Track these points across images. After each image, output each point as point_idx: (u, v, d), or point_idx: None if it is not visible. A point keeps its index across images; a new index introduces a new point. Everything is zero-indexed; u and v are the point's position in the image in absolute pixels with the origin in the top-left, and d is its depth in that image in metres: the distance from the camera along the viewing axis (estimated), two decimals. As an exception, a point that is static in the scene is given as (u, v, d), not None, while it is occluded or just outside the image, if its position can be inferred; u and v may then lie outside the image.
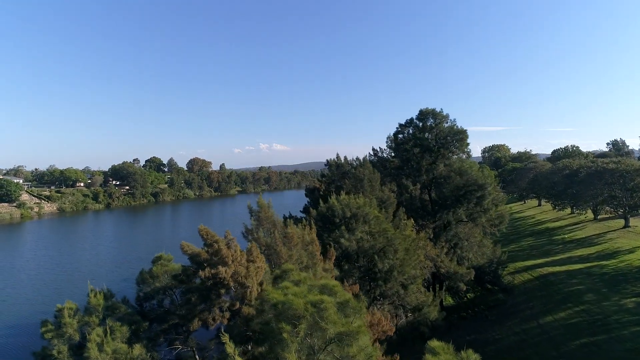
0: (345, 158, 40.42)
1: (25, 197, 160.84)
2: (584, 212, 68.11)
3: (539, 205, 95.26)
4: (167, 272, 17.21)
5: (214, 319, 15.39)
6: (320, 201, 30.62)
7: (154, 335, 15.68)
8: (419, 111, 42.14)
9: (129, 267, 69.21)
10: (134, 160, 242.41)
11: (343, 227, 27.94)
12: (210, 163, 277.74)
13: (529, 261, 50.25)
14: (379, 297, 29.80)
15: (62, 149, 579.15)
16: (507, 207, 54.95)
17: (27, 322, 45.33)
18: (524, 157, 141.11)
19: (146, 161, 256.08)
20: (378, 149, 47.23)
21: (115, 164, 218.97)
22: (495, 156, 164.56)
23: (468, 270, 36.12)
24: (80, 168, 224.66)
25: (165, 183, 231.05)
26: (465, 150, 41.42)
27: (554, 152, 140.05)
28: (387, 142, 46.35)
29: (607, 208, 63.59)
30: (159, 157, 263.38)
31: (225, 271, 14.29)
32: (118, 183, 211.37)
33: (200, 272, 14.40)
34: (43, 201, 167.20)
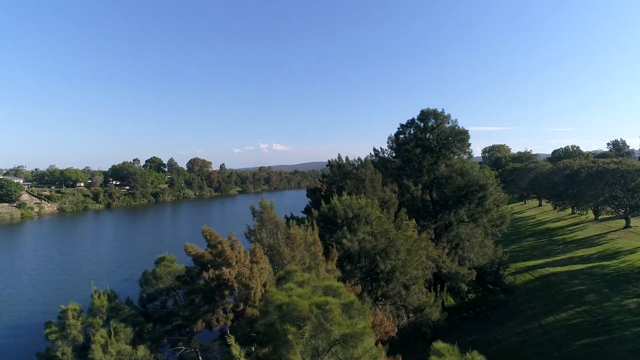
0: (347, 158, 40.41)
1: (25, 197, 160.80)
2: (584, 212, 68.09)
3: (540, 205, 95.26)
4: (171, 273, 17.20)
5: (217, 320, 15.37)
6: (322, 202, 30.60)
7: (157, 337, 15.67)
8: (421, 111, 42.15)
9: (129, 267, 69.21)
10: (134, 160, 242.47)
11: (345, 228, 27.94)
12: (210, 163, 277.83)
13: (530, 261, 50.24)
14: (380, 298, 29.80)
15: (62, 149, 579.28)
16: (509, 207, 54.98)
17: (28, 322, 45.35)
18: (524, 157, 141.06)
19: (146, 161, 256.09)
20: (379, 149, 47.26)
21: (116, 164, 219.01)
22: (495, 156, 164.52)
23: (470, 270, 36.11)
24: (81, 168, 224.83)
25: (166, 183, 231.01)
26: (467, 150, 41.42)
27: (554, 152, 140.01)
28: (388, 142, 46.37)
29: (608, 208, 63.57)
30: (159, 157, 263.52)
31: (229, 272, 14.28)
32: (118, 183, 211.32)
33: (204, 273, 14.39)
34: (43, 201, 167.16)
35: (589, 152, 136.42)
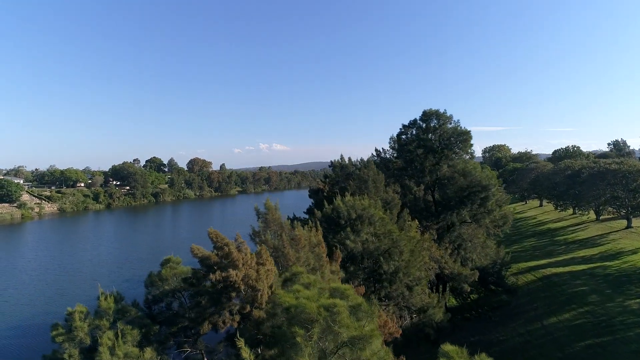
0: (350, 159, 40.44)
1: (25, 197, 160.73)
2: (586, 212, 68.12)
3: (541, 205, 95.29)
4: (176, 275, 17.18)
5: (224, 322, 15.35)
6: (325, 202, 30.59)
7: (163, 338, 15.65)
8: (423, 112, 42.14)
9: (130, 267, 69.21)
10: (134, 160, 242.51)
11: (348, 229, 27.91)
12: (210, 163, 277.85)
13: (531, 262, 50.25)
14: (383, 299, 29.78)
15: (62, 149, 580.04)
16: (511, 208, 54.98)
17: (29, 323, 45.32)
18: (525, 158, 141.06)
19: (146, 161, 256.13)
20: (381, 150, 47.29)
21: (116, 164, 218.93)
22: (495, 156, 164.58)
23: (472, 271, 36.11)
24: (81, 168, 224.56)
25: (166, 183, 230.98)
26: (469, 151, 41.42)
27: (554, 152, 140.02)
28: (390, 142, 46.40)
29: (610, 209, 63.61)
30: (159, 157, 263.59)
31: (236, 274, 14.26)
32: (118, 183, 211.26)
33: (211, 275, 14.37)
34: (44, 201, 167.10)
35: (589, 152, 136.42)
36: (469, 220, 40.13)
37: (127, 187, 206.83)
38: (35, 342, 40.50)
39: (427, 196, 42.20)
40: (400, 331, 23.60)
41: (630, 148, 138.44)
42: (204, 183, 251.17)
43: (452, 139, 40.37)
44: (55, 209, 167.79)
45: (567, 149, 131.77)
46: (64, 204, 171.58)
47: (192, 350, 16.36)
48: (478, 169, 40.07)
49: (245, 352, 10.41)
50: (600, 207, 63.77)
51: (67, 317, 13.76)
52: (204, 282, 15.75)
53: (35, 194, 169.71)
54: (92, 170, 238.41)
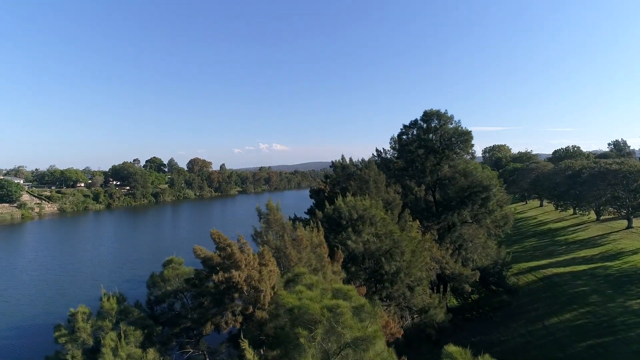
0: (351, 159, 40.43)
1: (25, 197, 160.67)
2: (586, 212, 68.13)
3: (541, 205, 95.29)
4: (178, 276, 17.17)
5: (226, 323, 15.34)
6: (326, 203, 30.60)
7: (166, 339, 15.64)
8: (424, 112, 42.13)
9: (131, 267, 69.19)
10: (134, 160, 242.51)
11: (350, 229, 27.92)
12: (210, 163, 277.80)
13: (532, 262, 50.24)
14: (385, 299, 29.78)
15: (62, 149, 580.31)
16: (512, 208, 54.97)
17: (30, 323, 45.29)
18: (525, 158, 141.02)
19: (146, 161, 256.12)
20: (381, 150, 47.25)
21: (116, 164, 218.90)
22: (496, 156, 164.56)
23: (473, 271, 36.11)
24: (81, 168, 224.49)
25: (166, 183, 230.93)
26: (470, 151, 41.42)
27: (555, 152, 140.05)
28: (390, 143, 46.35)
29: (610, 209, 63.62)
30: (159, 157, 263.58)
31: (239, 275, 14.25)
32: (118, 183, 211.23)
33: (214, 276, 14.36)
34: (44, 201, 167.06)
35: (590, 152, 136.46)
36: (470, 221, 40.12)
37: (127, 187, 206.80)
38: (35, 342, 40.46)
39: (428, 196, 42.19)
40: (402, 332, 23.60)
41: (631, 148, 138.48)
42: (204, 183, 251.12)
43: (453, 139, 40.34)
44: (56, 209, 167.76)
45: (567, 149, 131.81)
46: (64, 204, 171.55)
47: (195, 351, 16.35)
48: (479, 170, 40.06)
49: (250, 354, 10.40)
50: (601, 208, 63.78)
51: (69, 318, 13.75)
52: (206, 283, 15.74)
53: (36, 194, 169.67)
54: (92, 170, 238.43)
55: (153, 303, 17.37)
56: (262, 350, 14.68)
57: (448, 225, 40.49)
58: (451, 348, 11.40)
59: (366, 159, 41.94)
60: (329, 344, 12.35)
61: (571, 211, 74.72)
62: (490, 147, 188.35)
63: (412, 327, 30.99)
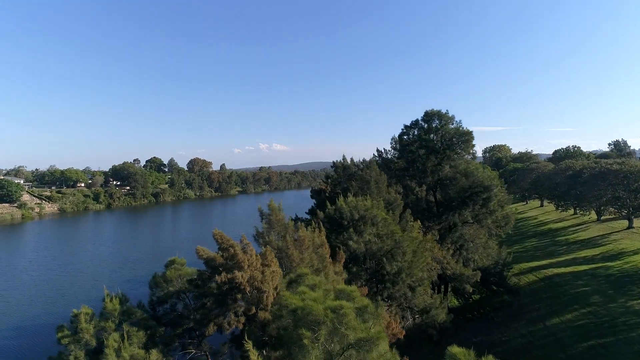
0: (352, 160, 40.44)
1: (26, 197, 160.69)
2: (587, 213, 68.14)
3: (541, 206, 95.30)
4: (181, 276, 17.16)
5: (229, 324, 15.33)
6: (327, 203, 30.59)
7: (168, 340, 15.64)
8: (425, 112, 42.11)
9: (131, 268, 69.23)
10: (134, 160, 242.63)
11: (351, 230, 27.90)
12: (210, 163, 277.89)
13: (533, 262, 50.25)
14: (386, 300, 29.77)
15: (62, 149, 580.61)
16: (513, 208, 54.94)
17: (31, 323, 45.32)
18: (525, 158, 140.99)
19: (147, 161, 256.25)
20: (382, 150, 47.24)
21: (116, 164, 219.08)
22: (496, 156, 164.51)
23: (474, 272, 36.09)
24: (81, 168, 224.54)
25: (166, 183, 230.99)
26: (471, 151, 41.42)
27: (555, 152, 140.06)
28: (391, 143, 46.34)
29: (611, 209, 63.61)
30: (159, 157, 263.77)
31: (242, 276, 14.25)
32: (119, 183, 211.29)
33: (217, 277, 14.36)
34: (44, 201, 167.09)
35: (590, 153, 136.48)
36: (471, 221, 40.09)
37: (128, 187, 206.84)
38: (36, 342, 40.50)
39: (429, 197, 42.17)
40: (404, 332, 23.57)
41: (631, 148, 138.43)
42: (204, 183, 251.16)
43: (454, 139, 40.32)
44: (56, 209, 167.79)
45: (567, 149, 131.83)
46: (65, 204, 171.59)
47: (197, 352, 16.34)
48: (480, 170, 40.06)
49: (254, 355, 10.39)
50: (602, 208, 63.79)
51: (72, 318, 13.74)
52: (209, 284, 15.73)
53: (36, 194, 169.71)
54: (92, 170, 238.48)
55: (155, 304, 17.35)
56: (264, 351, 14.68)
57: (449, 225, 40.47)
58: (455, 349, 11.37)
59: (366, 158, 41.99)
60: (332, 345, 12.34)
61: (572, 211, 74.72)
62: (490, 147, 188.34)
63: (414, 328, 30.97)
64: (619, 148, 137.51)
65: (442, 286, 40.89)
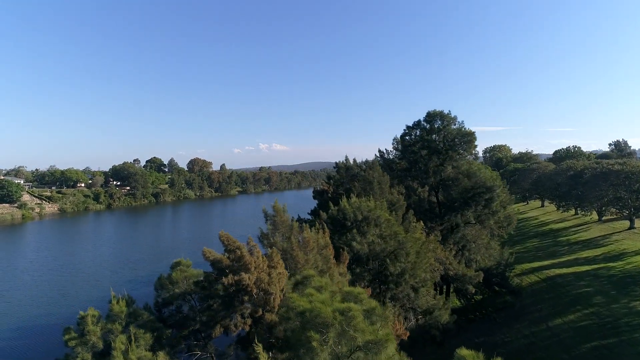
0: (355, 160, 40.40)
1: (26, 197, 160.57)
2: (588, 213, 68.16)
3: (542, 206, 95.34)
4: (187, 278, 17.14)
5: (235, 326, 15.32)
6: (330, 204, 30.55)
7: (174, 342, 15.62)
8: (427, 113, 42.07)
9: (132, 268, 69.21)
10: (134, 160, 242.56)
11: (354, 231, 27.86)
12: (210, 163, 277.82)
13: (535, 263, 50.24)
14: (389, 300, 29.74)
15: (62, 149, 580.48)
16: (515, 208, 54.92)
17: (32, 323, 45.32)
18: (525, 158, 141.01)
19: (147, 161, 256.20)
20: (384, 151, 47.20)
21: (116, 165, 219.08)
22: (496, 157, 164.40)
23: (477, 272, 36.06)
24: (81, 168, 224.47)
25: (166, 183, 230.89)
26: (473, 152, 41.40)
27: (555, 152, 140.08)
28: (393, 143, 46.29)
29: (612, 209, 63.61)
30: (159, 157, 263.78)
31: (249, 278, 14.23)
32: (119, 183, 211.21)
33: (224, 279, 14.33)
34: (44, 202, 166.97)
35: (590, 153, 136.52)
36: (473, 222, 40.10)
37: (128, 188, 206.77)
38: (38, 343, 40.49)
39: (431, 197, 42.16)
40: (408, 333, 23.56)
41: (632, 148, 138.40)
42: (204, 183, 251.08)
43: (456, 140, 40.28)
44: (56, 209, 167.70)
45: (568, 149, 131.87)
46: (65, 204, 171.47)
47: (203, 354, 16.31)
48: (482, 170, 40.04)
49: (264, 358, 10.37)
50: (603, 208, 63.79)
51: (79, 320, 13.72)
52: (215, 286, 15.71)
53: (36, 194, 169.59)
54: (93, 170, 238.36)
55: (161, 305, 17.33)
56: (271, 353, 14.66)
57: (451, 226, 40.46)
58: (463, 351, 11.37)
59: (366, 158, 42.03)
60: (339, 347, 12.33)
61: (573, 212, 74.73)
62: (490, 147, 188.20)
63: (417, 329, 30.96)
64: (620, 148, 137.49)
65: (445, 287, 40.87)
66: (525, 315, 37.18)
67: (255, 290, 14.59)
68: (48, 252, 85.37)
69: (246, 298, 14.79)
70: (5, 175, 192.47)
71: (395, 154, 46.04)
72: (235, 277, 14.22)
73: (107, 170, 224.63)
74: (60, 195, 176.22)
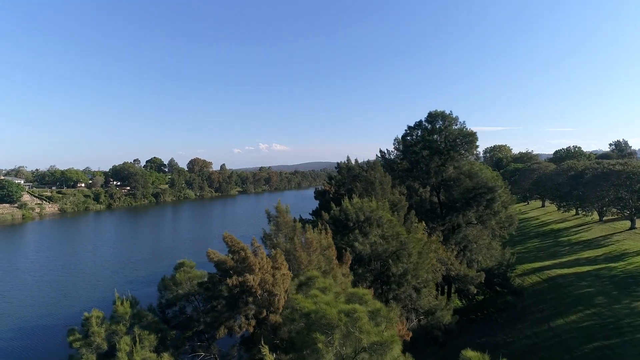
0: (356, 161, 40.42)
1: (26, 197, 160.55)
2: (589, 213, 68.17)
3: (543, 206, 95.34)
4: (190, 279, 17.13)
5: (239, 327, 15.31)
6: (332, 204, 30.55)
7: (179, 343, 15.60)
8: (428, 113, 42.10)
9: (133, 268, 69.17)
10: (134, 160, 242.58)
11: (357, 231, 27.86)
12: (210, 163, 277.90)
13: (536, 263, 50.21)
14: (391, 301, 29.73)
15: (62, 149, 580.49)
16: (517, 208, 54.90)
17: (33, 324, 45.30)
18: (526, 158, 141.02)
19: (147, 161, 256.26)
20: (385, 151, 47.23)
21: (116, 165, 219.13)
22: (496, 157, 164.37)
23: (478, 273, 36.05)
24: (81, 168, 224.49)
25: (166, 183, 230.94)
26: (474, 152, 41.42)
27: (556, 152, 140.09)
28: (394, 144, 46.30)
29: (613, 210, 63.62)
30: (159, 157, 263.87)
31: (253, 279, 14.22)
32: (119, 184, 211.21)
33: (228, 280, 14.32)
34: (44, 202, 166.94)
35: (590, 153, 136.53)
36: (475, 222, 40.10)
37: (128, 188, 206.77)
38: (40, 343, 40.47)
39: (433, 198, 42.15)
40: (411, 334, 23.53)
41: (632, 148, 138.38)
42: (205, 183, 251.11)
43: (457, 140, 40.31)
44: (56, 209, 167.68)
45: (568, 150, 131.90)
46: (65, 204, 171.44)
47: (206, 355, 16.30)
48: (484, 171, 40.06)
49: (270, 359, 10.36)
50: (604, 208, 63.77)
51: (83, 322, 13.70)
52: (219, 287, 15.69)
53: (36, 195, 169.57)
54: (93, 170, 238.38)
55: (164, 306, 17.32)
56: (275, 354, 14.64)
57: (453, 226, 40.46)
58: (469, 353, 11.34)
59: (366, 158, 42.18)
60: (344, 349, 12.32)
61: (574, 212, 74.72)
62: (490, 147, 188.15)
63: (419, 329, 30.94)
64: (620, 148, 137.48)
65: (446, 287, 40.87)
66: (527, 315, 37.14)
67: (259, 292, 14.57)
68: (49, 252, 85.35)
69: (250, 299, 14.78)
70: (5, 175, 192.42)
71: (396, 154, 46.07)
72: (240, 279, 14.21)
73: (107, 170, 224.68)
74: (60, 195, 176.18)
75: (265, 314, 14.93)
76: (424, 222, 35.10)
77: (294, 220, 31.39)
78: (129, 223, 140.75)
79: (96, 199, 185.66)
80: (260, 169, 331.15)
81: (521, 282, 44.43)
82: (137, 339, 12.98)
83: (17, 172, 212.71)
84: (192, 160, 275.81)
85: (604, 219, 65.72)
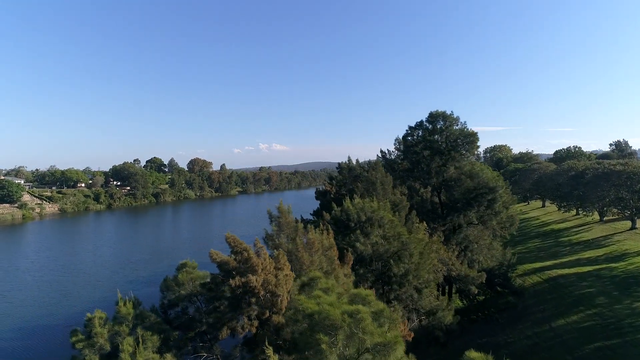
0: (357, 161, 40.40)
1: (26, 197, 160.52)
2: (590, 213, 68.17)
3: (543, 206, 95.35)
4: (193, 280, 17.13)
5: (242, 328, 15.30)
6: (333, 204, 30.56)
7: (181, 344, 15.60)
8: (429, 113, 42.13)
9: (133, 268, 69.17)
10: (134, 160, 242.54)
11: (358, 231, 27.86)
12: (210, 163, 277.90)
13: (537, 263, 50.21)
14: (392, 301, 29.74)
15: (62, 149, 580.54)
16: (518, 209, 54.90)
17: (34, 324, 45.29)
18: (526, 158, 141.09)
19: (147, 161, 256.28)
20: (386, 151, 47.26)
21: (116, 165, 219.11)
22: (497, 157, 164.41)
23: (479, 273, 36.05)
24: (81, 168, 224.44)
25: (166, 183, 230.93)
26: (475, 152, 41.43)
27: (556, 152, 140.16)
28: (395, 144, 46.33)
29: (614, 210, 63.62)
30: (159, 157, 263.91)
31: (256, 280, 14.22)
32: (119, 184, 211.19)
33: (231, 281, 14.32)
34: (44, 202, 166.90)
35: (590, 153, 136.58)
36: (476, 222, 40.10)
37: (128, 188, 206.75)
38: (40, 343, 40.47)
39: (434, 198, 42.16)
40: (412, 334, 23.54)
41: (632, 148, 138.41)
42: (205, 183, 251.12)
43: (458, 140, 40.33)
44: (56, 209, 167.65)
45: (568, 150, 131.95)
46: (65, 204, 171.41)
47: (209, 355, 16.29)
48: (485, 171, 40.07)
49: (274, 360, 10.36)
50: (605, 208, 63.77)
51: (86, 322, 13.70)
52: (222, 287, 15.69)
53: (36, 195, 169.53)
54: (93, 170, 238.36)
55: (167, 307, 17.32)
56: (278, 355, 14.63)
57: (454, 226, 40.47)
58: (472, 354, 11.35)
59: (367, 158, 42.16)
60: (347, 350, 12.31)
61: (574, 212, 74.73)
62: (491, 147, 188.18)
63: (420, 329, 30.94)
64: (620, 148, 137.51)
65: (447, 287, 40.88)
66: (528, 315, 37.15)
67: (262, 292, 14.57)
68: (49, 252, 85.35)
69: (253, 300, 14.78)
70: (5, 175, 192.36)
71: (397, 155, 46.09)
72: (242, 279, 14.20)
73: (107, 170, 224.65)
74: (60, 195, 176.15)
75: (268, 314, 14.93)
76: (425, 223, 35.08)
77: (296, 221, 31.47)
78: (129, 223, 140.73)
79: (96, 199, 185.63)
80: (260, 169, 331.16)
81: (522, 282, 44.43)
82: (140, 340, 12.97)
83: (17, 172, 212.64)
84: (192, 160, 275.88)
85: (604, 219, 65.73)
